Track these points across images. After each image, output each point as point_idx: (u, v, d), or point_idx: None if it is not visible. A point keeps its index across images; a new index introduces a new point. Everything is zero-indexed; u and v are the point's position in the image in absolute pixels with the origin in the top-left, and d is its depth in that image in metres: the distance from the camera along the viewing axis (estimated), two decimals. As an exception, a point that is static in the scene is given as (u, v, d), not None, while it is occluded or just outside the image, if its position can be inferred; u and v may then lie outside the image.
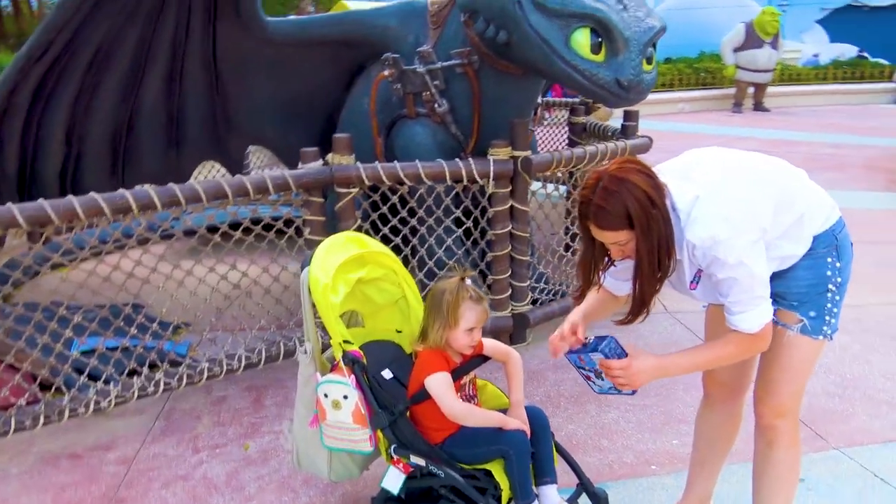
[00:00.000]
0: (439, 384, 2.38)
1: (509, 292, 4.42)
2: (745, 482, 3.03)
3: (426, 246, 4.32)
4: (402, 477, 2.52)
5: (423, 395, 2.42)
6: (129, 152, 4.81)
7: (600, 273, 2.25)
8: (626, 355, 2.23)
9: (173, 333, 4.33)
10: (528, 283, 4.49)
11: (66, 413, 3.52)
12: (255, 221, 4.05)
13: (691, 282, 2.20)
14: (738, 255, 2.04)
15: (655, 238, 2.05)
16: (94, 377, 3.65)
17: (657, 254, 2.07)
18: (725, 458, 2.69)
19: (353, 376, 2.47)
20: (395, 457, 2.48)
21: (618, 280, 2.32)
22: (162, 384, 3.71)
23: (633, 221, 2.02)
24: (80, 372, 3.62)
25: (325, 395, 2.52)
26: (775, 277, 2.22)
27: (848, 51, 17.60)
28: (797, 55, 17.16)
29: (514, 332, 4.49)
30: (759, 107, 14.33)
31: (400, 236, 4.24)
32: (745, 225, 2.05)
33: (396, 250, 4.28)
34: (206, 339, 4.05)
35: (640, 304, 2.16)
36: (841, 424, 3.54)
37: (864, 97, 15.66)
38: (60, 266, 4.26)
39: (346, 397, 2.47)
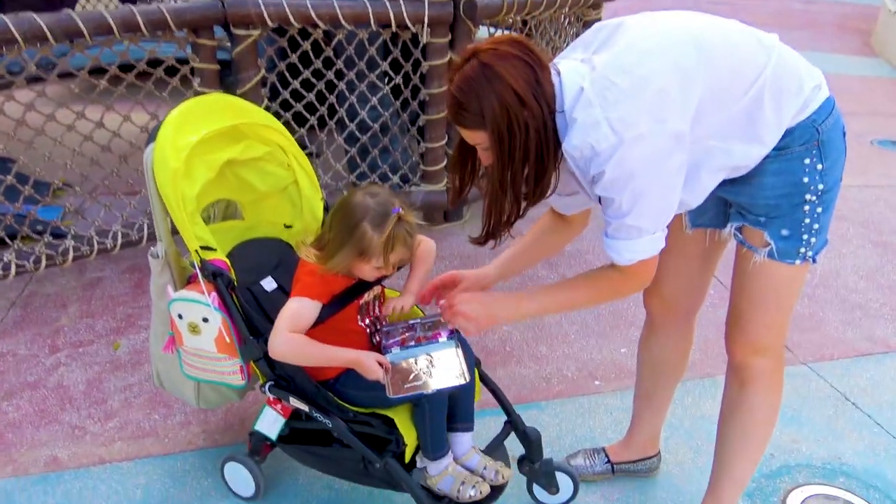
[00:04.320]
0: (293, 313, 1.78)
1: (444, 162, 3.77)
2: (702, 403, 2.64)
3: (345, 105, 3.59)
4: (281, 420, 1.99)
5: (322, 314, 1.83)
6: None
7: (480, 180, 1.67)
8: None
9: (52, 197, 3.57)
10: (468, 152, 3.83)
11: None
12: (154, 63, 3.22)
13: (598, 200, 1.61)
14: (629, 168, 1.47)
15: (516, 149, 1.50)
16: None
17: (511, 169, 1.53)
18: (674, 391, 2.23)
19: (214, 294, 1.85)
20: (271, 396, 1.93)
21: (561, 195, 1.71)
22: (15, 266, 3.04)
23: (487, 123, 1.49)
24: None
25: (180, 317, 1.91)
26: (733, 185, 1.66)
27: None
28: None
29: (450, 209, 3.88)
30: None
31: (314, 92, 3.48)
32: (646, 127, 1.46)
33: (310, 109, 3.57)
34: (84, 208, 3.32)
35: (488, 228, 1.66)
36: (810, 333, 3.12)
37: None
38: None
39: (206, 320, 1.87)
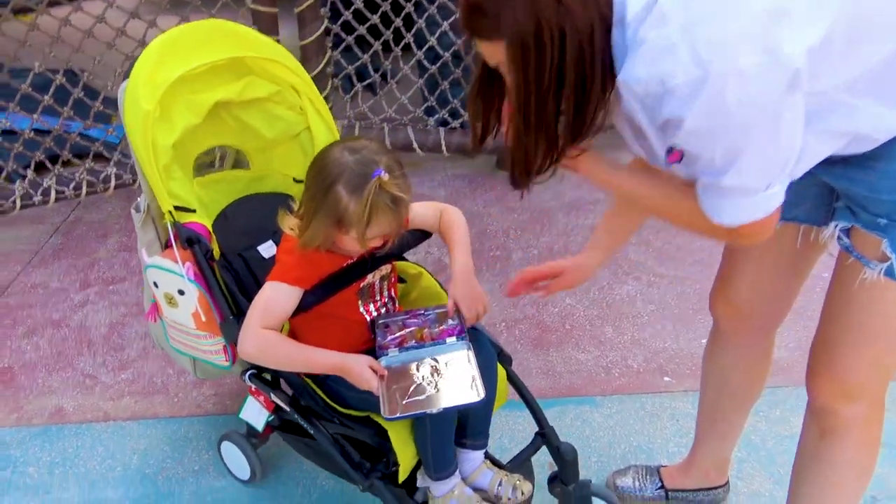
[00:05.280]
0: (265, 302, 1.45)
1: (524, 100, 3.31)
2: (794, 419, 2.17)
3: (413, 30, 3.18)
4: (265, 413, 1.72)
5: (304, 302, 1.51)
6: None
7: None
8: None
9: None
10: (552, 89, 3.35)
11: None
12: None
13: (668, 153, 1.14)
14: (720, 115, 1.01)
15: (545, 69, 1.08)
16: None
17: (537, 95, 1.11)
18: (746, 416, 1.79)
19: (189, 264, 1.57)
20: (252, 387, 1.66)
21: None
22: (55, 192, 2.90)
23: (506, 30, 1.08)
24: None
25: (156, 285, 1.65)
26: (847, 166, 1.20)
27: None
28: None
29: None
30: None
31: (378, 14, 3.09)
32: (749, 59, 0.98)
33: (374, 33, 3.18)
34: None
35: (514, 174, 1.25)
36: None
37: None
38: (24, 11, 3.00)
39: (181, 292, 1.60)
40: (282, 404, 1.59)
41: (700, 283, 2.76)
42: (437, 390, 1.43)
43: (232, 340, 1.59)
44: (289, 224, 1.48)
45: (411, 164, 3.51)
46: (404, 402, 1.40)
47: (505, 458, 1.77)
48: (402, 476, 1.53)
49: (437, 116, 3.37)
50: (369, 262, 1.53)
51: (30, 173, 2.90)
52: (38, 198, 2.87)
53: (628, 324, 2.56)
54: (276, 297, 1.44)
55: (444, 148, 3.31)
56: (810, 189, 1.30)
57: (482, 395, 1.42)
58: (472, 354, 1.50)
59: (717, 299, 1.64)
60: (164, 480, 1.96)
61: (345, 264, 1.52)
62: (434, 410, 1.40)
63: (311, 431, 1.55)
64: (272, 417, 1.75)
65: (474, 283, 1.58)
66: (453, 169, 3.53)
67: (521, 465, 1.73)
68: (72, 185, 2.92)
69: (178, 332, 1.70)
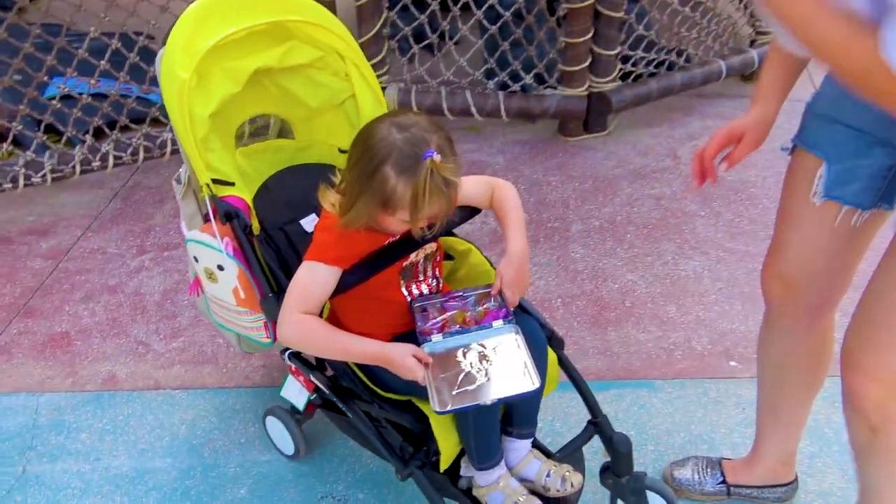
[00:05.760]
0: (302, 285, 1.38)
1: (588, 62, 3.14)
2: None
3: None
4: (306, 393, 1.68)
5: (343, 283, 1.44)
6: None
7: None
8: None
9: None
10: (619, 50, 3.17)
11: (21, 182, 2.84)
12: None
13: None
14: None
15: None
16: (58, 133, 2.91)
17: None
18: (809, 406, 1.66)
19: (227, 239, 1.52)
20: (293, 366, 1.61)
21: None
22: (112, 157, 2.92)
23: None
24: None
25: (196, 260, 1.61)
26: None
27: None
28: None
29: (590, 117, 3.28)
30: None
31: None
32: None
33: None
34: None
35: None
36: None
37: None
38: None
39: (221, 268, 1.56)
40: (321, 386, 1.53)
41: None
42: (488, 379, 1.34)
43: (272, 318, 1.54)
44: (329, 200, 1.40)
45: (469, 128, 3.40)
46: (454, 392, 1.32)
47: (556, 444, 1.69)
48: (444, 465, 1.46)
49: (496, 79, 3.23)
50: (412, 240, 1.45)
51: (89, 139, 2.92)
52: (96, 163, 2.89)
53: (693, 302, 2.41)
54: (313, 279, 1.37)
55: (503, 112, 3.18)
56: (864, 169, 1.16)
57: (536, 383, 1.33)
58: (520, 338, 1.41)
59: (768, 274, 1.51)
60: (210, 452, 1.95)
61: (386, 242, 1.44)
62: (488, 402, 1.31)
63: (350, 416, 1.49)
64: (314, 396, 1.70)
65: (526, 268, 1.48)
66: (513, 134, 3.40)
67: (571, 454, 1.65)
68: (129, 151, 2.93)
69: (220, 308, 1.66)
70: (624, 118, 3.41)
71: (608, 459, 1.67)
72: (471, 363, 1.36)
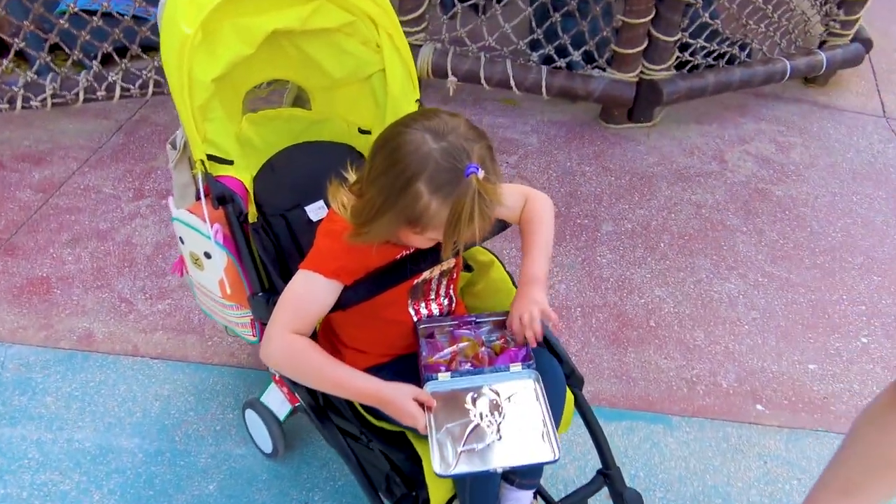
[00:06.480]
0: (296, 299, 1.19)
1: (644, 45, 2.88)
2: None
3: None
4: (288, 406, 1.50)
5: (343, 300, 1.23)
6: None
7: None
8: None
9: None
10: (679, 36, 2.90)
11: (19, 104, 2.64)
12: None
13: None
14: None
15: None
16: (65, 54, 2.70)
17: None
18: None
19: (218, 226, 1.32)
20: (276, 375, 1.43)
21: None
22: (119, 88, 2.70)
23: None
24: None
25: (182, 241, 1.42)
26: None
27: None
28: None
29: (636, 105, 3.03)
30: None
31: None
32: None
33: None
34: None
35: None
36: None
37: None
38: None
39: (208, 256, 1.36)
40: (305, 406, 1.36)
41: (816, 293, 2.37)
42: (500, 437, 1.15)
43: (259, 318, 1.36)
44: (340, 200, 1.19)
45: (505, 100, 3.16)
46: (460, 449, 1.13)
47: (557, 483, 1.52)
48: (432, 513, 1.29)
49: (541, 52, 2.97)
50: (428, 254, 1.25)
51: (96, 65, 2.70)
52: (101, 93, 2.68)
53: (724, 331, 2.21)
54: (309, 293, 1.18)
55: (544, 89, 2.93)
56: None
57: (557, 453, 1.14)
58: (540, 388, 1.22)
59: None
60: (182, 436, 1.80)
61: (398, 256, 1.24)
62: (498, 470, 1.13)
63: (334, 446, 1.32)
64: (291, 412, 1.53)
65: (540, 301, 1.27)
66: (551, 114, 3.15)
67: (576, 504, 1.48)
68: (138, 83, 2.72)
69: (205, 297, 1.48)
70: (672, 110, 3.15)
71: (614, 512, 1.51)
72: (481, 413, 1.18)
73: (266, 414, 1.66)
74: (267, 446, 1.72)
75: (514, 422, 1.16)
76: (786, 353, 2.15)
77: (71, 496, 1.65)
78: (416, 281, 1.29)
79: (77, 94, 2.66)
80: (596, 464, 1.44)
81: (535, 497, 1.43)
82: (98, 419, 1.82)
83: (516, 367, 1.23)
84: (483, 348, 1.26)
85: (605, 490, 1.46)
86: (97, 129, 2.83)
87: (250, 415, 1.72)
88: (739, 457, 1.87)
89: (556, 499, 1.48)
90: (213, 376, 1.95)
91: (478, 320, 1.32)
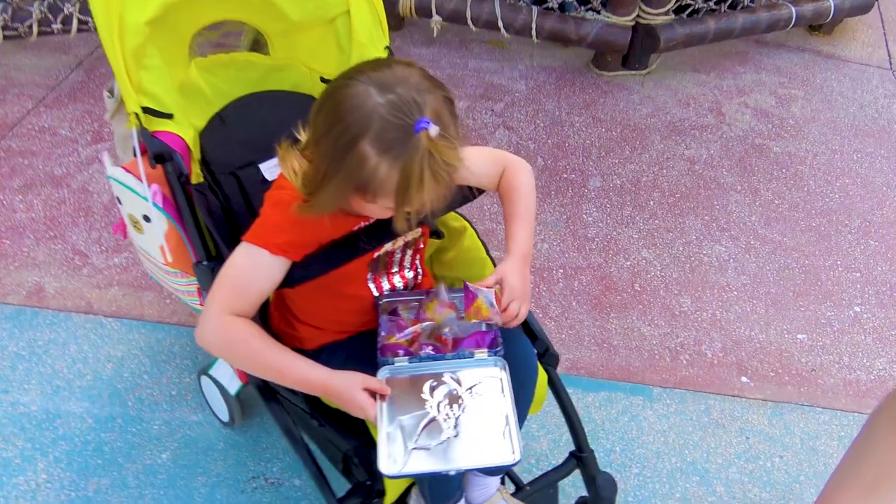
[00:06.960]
0: (237, 275, 1.05)
1: (642, -12, 2.70)
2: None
3: None
4: (238, 383, 1.40)
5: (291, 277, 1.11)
6: None
7: None
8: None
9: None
10: (679, -22, 2.71)
11: None
12: None
13: None
14: None
15: None
16: None
17: None
18: None
19: (156, 186, 1.19)
20: (224, 350, 1.32)
21: None
22: (76, 21, 2.51)
23: None
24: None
25: (119, 202, 1.29)
26: None
27: None
28: None
29: (631, 51, 2.86)
30: None
31: None
32: None
33: None
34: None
35: None
36: None
37: None
38: None
39: (147, 219, 1.23)
40: (252, 386, 1.25)
41: (810, 257, 2.27)
42: (457, 434, 1.05)
43: (206, 289, 1.24)
44: (291, 165, 1.06)
45: (492, 42, 2.98)
46: (411, 446, 1.03)
47: (532, 452, 1.44)
48: (388, 501, 1.20)
49: (532, -9, 2.78)
50: (390, 226, 1.12)
51: (50, -7, 2.50)
52: (57, 25, 2.49)
53: (711, 297, 2.12)
54: (250, 271, 1.05)
55: (534, 32, 2.76)
56: None
57: (517, 455, 1.03)
58: (506, 377, 1.11)
59: None
60: (135, 401, 1.70)
61: (355, 228, 1.12)
62: (452, 472, 1.03)
63: (282, 432, 1.22)
64: (242, 388, 1.43)
65: (527, 277, 1.16)
66: (541, 59, 2.98)
67: (544, 488, 1.40)
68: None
69: (149, 263, 1.35)
70: (669, 57, 2.98)
71: (583, 496, 1.43)
72: (438, 404, 1.07)
73: (220, 382, 1.56)
74: (224, 414, 1.63)
75: (474, 416, 1.06)
76: (774, 322, 2.06)
77: (14, 464, 1.56)
78: (376, 254, 1.17)
79: (30, 27, 2.47)
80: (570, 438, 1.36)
81: (502, 482, 1.34)
82: (45, 381, 1.72)
83: (482, 354, 1.12)
84: (447, 329, 1.14)
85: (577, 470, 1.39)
86: (55, 65, 2.64)
87: (206, 381, 1.62)
88: (721, 431, 1.79)
89: (526, 481, 1.41)
90: (171, 337, 1.84)
91: (437, 293, 1.19)
